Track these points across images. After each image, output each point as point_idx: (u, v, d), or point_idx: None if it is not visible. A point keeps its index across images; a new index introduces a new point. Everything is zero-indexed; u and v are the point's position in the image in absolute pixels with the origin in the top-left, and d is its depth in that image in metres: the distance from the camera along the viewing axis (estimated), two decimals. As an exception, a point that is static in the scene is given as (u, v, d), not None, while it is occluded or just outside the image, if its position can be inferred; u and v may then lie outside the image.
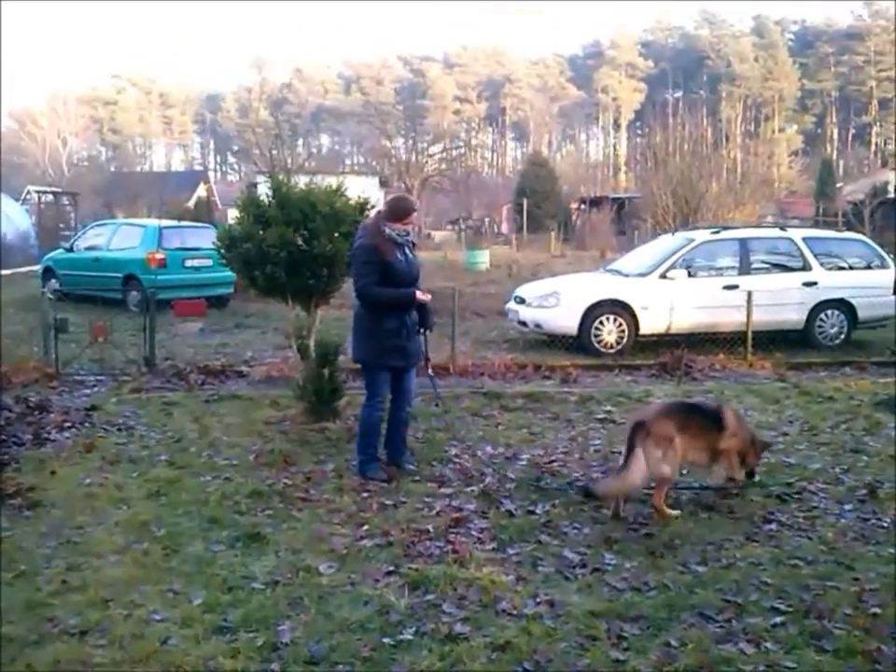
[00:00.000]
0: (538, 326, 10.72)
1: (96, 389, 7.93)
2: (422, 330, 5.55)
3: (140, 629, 3.42)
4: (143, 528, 4.48)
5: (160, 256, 13.90)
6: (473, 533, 4.47)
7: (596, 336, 10.31)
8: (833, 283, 10.82)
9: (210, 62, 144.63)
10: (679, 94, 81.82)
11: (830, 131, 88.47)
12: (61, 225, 29.80)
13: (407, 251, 5.37)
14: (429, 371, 5.79)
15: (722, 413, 5.11)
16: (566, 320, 10.41)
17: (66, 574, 3.91)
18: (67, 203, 32.51)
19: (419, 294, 5.31)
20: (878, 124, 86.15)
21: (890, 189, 35.99)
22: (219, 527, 4.50)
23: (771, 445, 5.80)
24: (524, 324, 10.93)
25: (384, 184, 32.10)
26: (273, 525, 4.55)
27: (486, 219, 47.12)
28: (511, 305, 11.27)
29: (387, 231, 5.25)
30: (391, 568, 3.99)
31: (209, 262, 13.45)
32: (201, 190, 46.84)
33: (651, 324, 10.43)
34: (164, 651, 3.26)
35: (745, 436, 5.11)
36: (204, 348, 10.37)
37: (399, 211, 5.35)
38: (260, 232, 6.45)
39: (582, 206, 43.17)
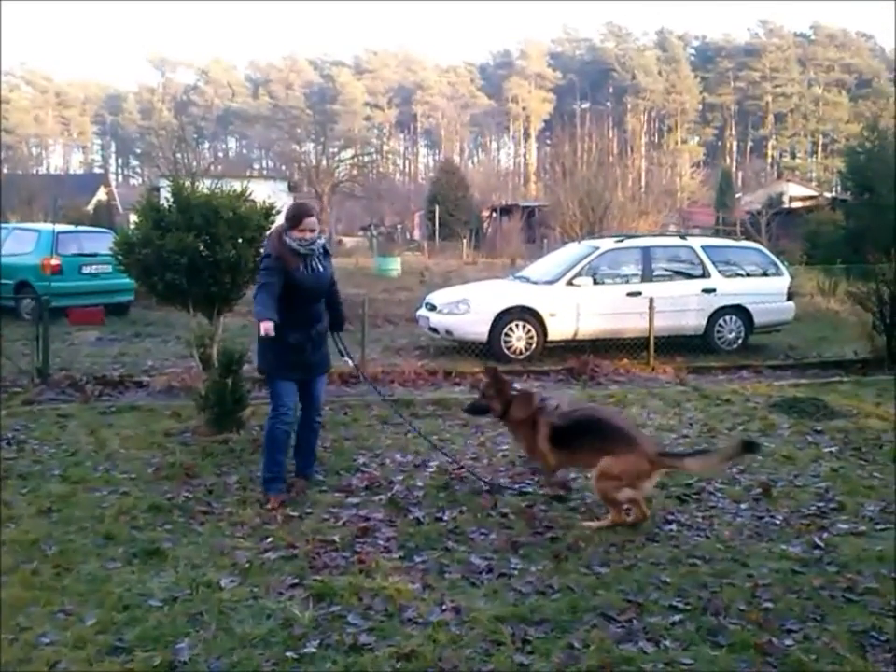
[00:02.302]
0: (448, 332, 10.76)
1: (-16, 402, 7.54)
2: (333, 334, 5.44)
3: (27, 653, 3.25)
4: (32, 547, 4.27)
5: (55, 262, 13.35)
6: (380, 542, 4.44)
7: (506, 342, 10.42)
8: (730, 290, 11.23)
9: (110, 60, 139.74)
10: (586, 105, 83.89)
11: (729, 143, 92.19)
12: (-51, 229, 28.25)
13: (315, 262, 5.07)
14: (359, 372, 5.76)
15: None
16: (476, 326, 10.48)
17: (-54, 598, 3.69)
18: (-44, 206, 30.87)
19: (263, 327, 4.75)
20: (774, 137, 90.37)
21: (785, 199, 37.69)
22: (115, 544, 4.33)
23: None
24: (434, 330, 10.96)
25: (293, 189, 31.72)
26: (173, 539, 4.41)
27: (398, 226, 47.18)
28: (422, 312, 11.28)
29: (288, 240, 4.97)
30: (295, 581, 3.91)
31: (108, 269, 12.96)
32: (101, 194, 45.29)
33: (558, 330, 10.61)
34: (54, 676, 3.11)
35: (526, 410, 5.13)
36: (102, 358, 10.01)
37: (291, 218, 5.03)
38: (160, 238, 6.25)
39: (493, 214, 43.68)
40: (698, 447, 6.37)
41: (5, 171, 49.24)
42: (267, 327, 4.75)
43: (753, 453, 5.06)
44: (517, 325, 10.46)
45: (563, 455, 4.91)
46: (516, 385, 5.39)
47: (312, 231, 5.02)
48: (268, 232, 5.61)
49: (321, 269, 5.13)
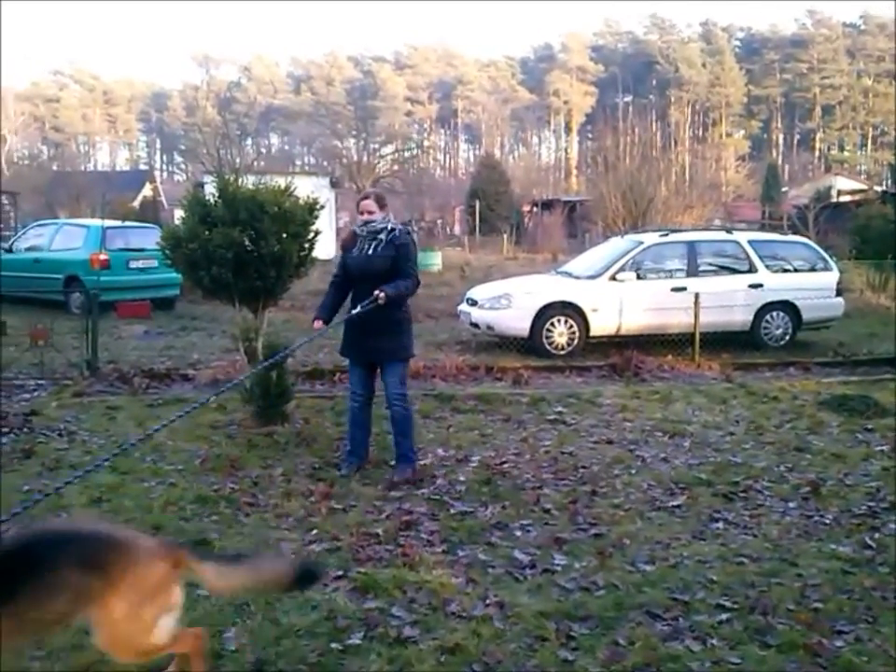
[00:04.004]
0: (489, 327, 10.74)
1: (36, 394, 7.70)
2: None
3: (79, 640, 3.30)
4: (83, 536, 4.35)
5: (103, 257, 13.58)
6: (423, 536, 4.45)
7: (548, 338, 10.36)
8: (778, 285, 11.03)
9: (155, 58, 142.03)
10: (628, 98, 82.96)
11: (775, 136, 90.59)
12: (0, 225, 28.97)
13: (369, 246, 5.35)
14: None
15: None
16: (517, 322, 10.44)
17: (2, 585, 3.77)
18: (7, 202, 31.67)
19: (315, 324, 5.40)
20: (822, 130, 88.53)
21: (834, 193, 36.92)
22: (164, 534, 4.38)
23: None
24: (475, 326, 10.94)
25: (335, 184, 31.80)
26: (220, 530, 4.46)
27: (439, 221, 47.15)
28: (464, 307, 11.27)
29: (355, 227, 5.58)
30: (340, 573, 3.93)
31: (154, 263, 13.19)
32: (146, 190, 45.99)
33: (601, 325, 10.52)
34: (104, 661, 3.16)
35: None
36: (149, 351, 10.17)
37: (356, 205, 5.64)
38: (206, 233, 6.34)
39: (534, 209, 43.45)
40: (745, 445, 6.30)
41: (54, 168, 50.33)
42: (316, 325, 5.36)
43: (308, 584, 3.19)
44: (559, 320, 10.40)
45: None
46: None
47: (369, 212, 5.40)
48: None
49: (371, 252, 5.36)
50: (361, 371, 5.55)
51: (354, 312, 5.27)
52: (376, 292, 5.14)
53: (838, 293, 11.51)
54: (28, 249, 14.90)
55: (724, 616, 3.56)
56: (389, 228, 5.37)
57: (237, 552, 3.96)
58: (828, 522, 4.73)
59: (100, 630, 2.62)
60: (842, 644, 3.34)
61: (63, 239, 14.54)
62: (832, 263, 11.85)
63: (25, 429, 6.38)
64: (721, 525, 4.67)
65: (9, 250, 15.24)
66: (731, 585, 3.86)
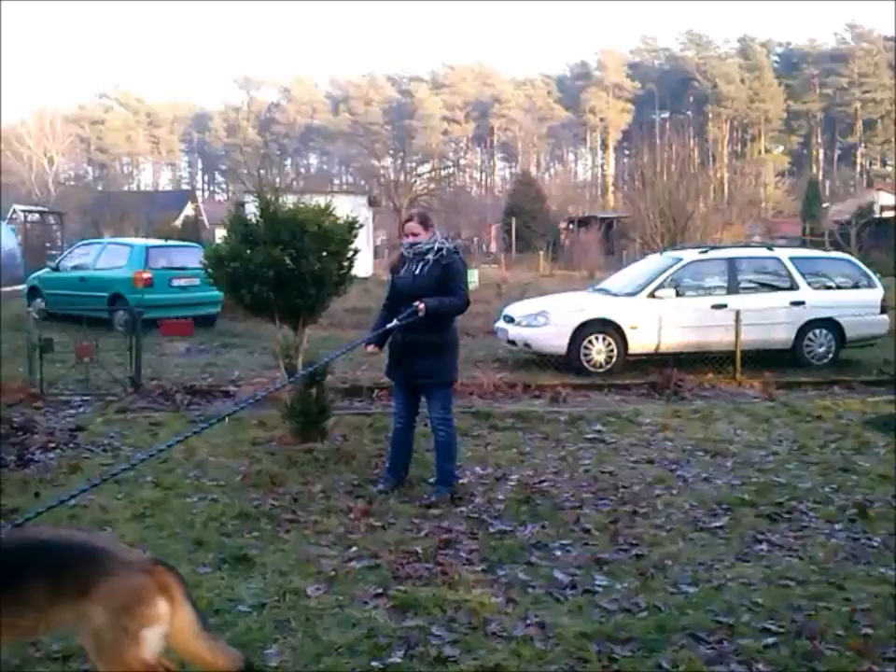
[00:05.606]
0: (527, 345, 10.72)
1: (81, 410, 7.86)
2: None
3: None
4: (128, 551, 4.41)
5: (146, 275, 13.85)
6: (462, 554, 4.43)
7: (586, 355, 10.31)
8: (820, 302, 10.86)
9: (197, 81, 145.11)
10: (665, 115, 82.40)
11: (816, 151, 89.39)
12: (47, 244, 29.58)
13: (417, 266, 5.37)
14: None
15: None
16: (555, 339, 10.41)
17: (49, 598, 3.83)
18: (54, 222, 32.34)
19: (368, 348, 5.50)
20: (863, 145, 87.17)
21: (876, 209, 36.33)
22: (206, 549, 4.44)
23: None
24: (513, 343, 10.93)
25: (373, 203, 32.07)
26: (260, 546, 4.50)
27: (475, 239, 47.26)
28: (501, 324, 11.27)
29: (402, 249, 5.60)
30: (379, 590, 3.94)
31: (196, 282, 13.36)
32: (188, 210, 46.80)
33: (640, 343, 10.44)
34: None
35: None
36: (191, 368, 10.31)
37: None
38: (248, 252, 6.41)
39: (571, 226, 43.37)
40: (788, 465, 6.19)
41: (99, 189, 51.44)
42: (370, 349, 5.48)
43: None
44: (597, 338, 10.34)
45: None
46: None
47: (414, 234, 5.44)
48: None
49: (417, 273, 5.38)
50: (405, 393, 5.55)
51: (391, 324, 5.28)
52: (416, 303, 5.16)
53: (883, 310, 11.30)
54: (74, 268, 15.20)
55: (770, 640, 3.49)
56: (437, 248, 5.35)
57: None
58: (876, 545, 4.62)
59: (84, 640, 2.61)
60: None
61: (107, 258, 14.83)
62: (875, 280, 11.65)
63: (71, 445, 6.51)
64: (765, 546, 4.60)
65: (56, 269, 15.57)
66: (776, 608, 3.78)
